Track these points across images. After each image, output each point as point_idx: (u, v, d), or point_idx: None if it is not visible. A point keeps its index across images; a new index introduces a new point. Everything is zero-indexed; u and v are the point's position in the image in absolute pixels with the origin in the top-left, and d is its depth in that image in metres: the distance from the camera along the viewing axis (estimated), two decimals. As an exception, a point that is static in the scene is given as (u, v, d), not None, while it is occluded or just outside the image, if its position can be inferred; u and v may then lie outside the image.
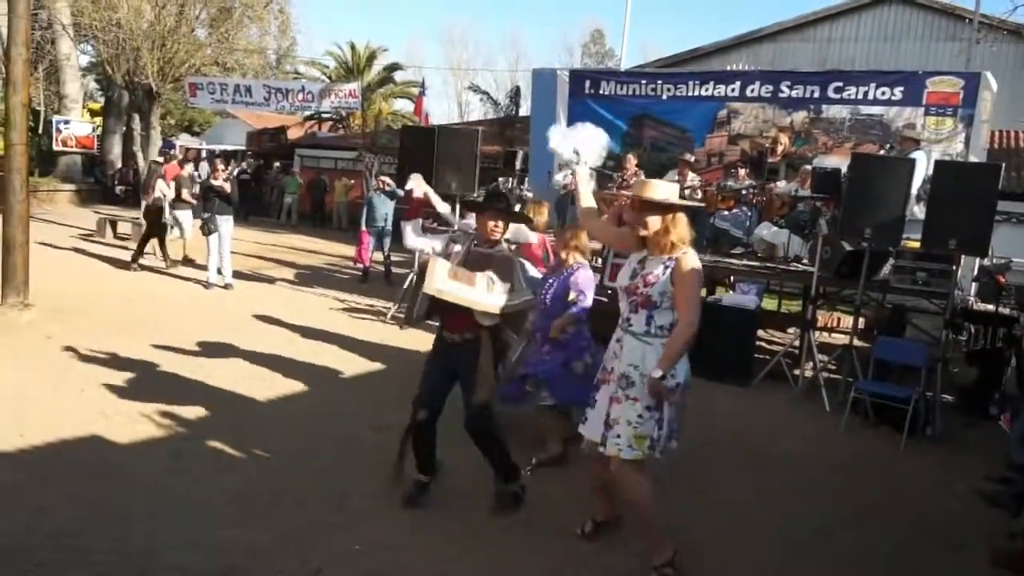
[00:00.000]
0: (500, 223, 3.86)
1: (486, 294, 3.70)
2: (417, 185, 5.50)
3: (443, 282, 3.65)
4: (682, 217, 3.32)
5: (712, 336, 7.07)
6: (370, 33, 75.42)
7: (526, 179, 9.78)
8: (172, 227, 11.50)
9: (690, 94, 11.30)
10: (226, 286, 9.95)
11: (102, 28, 14.15)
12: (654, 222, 3.29)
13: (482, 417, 3.82)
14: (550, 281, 4.80)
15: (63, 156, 21.44)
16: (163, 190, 11.18)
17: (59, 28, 16.94)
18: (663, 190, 3.36)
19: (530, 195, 9.39)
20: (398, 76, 34.79)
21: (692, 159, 10.57)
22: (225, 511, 3.77)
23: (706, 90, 11.29)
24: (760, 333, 8.54)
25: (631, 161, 10.10)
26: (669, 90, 11.37)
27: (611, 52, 50.76)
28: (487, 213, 3.86)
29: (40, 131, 24.54)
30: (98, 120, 24.32)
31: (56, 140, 21.26)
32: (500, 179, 9.24)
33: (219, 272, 9.98)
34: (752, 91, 10.90)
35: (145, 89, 14.38)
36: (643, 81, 11.62)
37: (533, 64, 50.19)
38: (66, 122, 20.49)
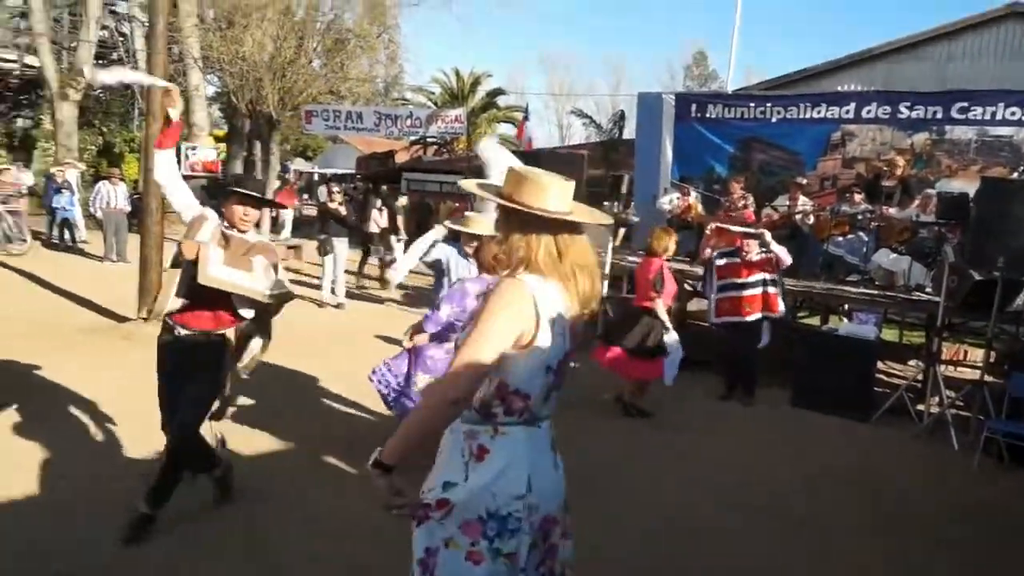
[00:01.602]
0: (250, 210, 3.56)
1: (263, 280, 3.51)
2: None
3: (218, 269, 3.38)
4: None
5: (828, 367, 6.90)
6: (474, 59, 77.15)
7: (632, 203, 9.74)
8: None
9: (801, 116, 11.00)
10: (338, 305, 10.30)
11: (229, 61, 15.05)
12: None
13: (195, 429, 3.50)
14: None
15: (191, 180, 22.91)
16: (376, 220, 12.17)
17: (190, 61, 18.18)
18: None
19: (636, 219, 9.33)
20: (501, 100, 35.41)
21: (804, 182, 10.28)
22: (341, 529, 3.89)
23: (818, 112, 10.96)
24: (879, 365, 8.14)
25: (736, 186, 9.89)
26: (779, 112, 11.10)
27: (714, 74, 50.03)
28: (233, 199, 3.54)
29: (170, 157, 26.28)
30: (221, 146, 25.84)
31: (184, 165, 22.71)
32: (605, 203, 9.20)
33: (332, 291, 10.35)
34: (868, 112, 10.51)
35: (266, 117, 15.17)
36: (751, 104, 11.39)
37: (634, 87, 49.93)
38: (193, 148, 21.86)
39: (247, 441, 4.90)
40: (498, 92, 35.28)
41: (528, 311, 1.83)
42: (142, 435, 4.60)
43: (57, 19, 22.52)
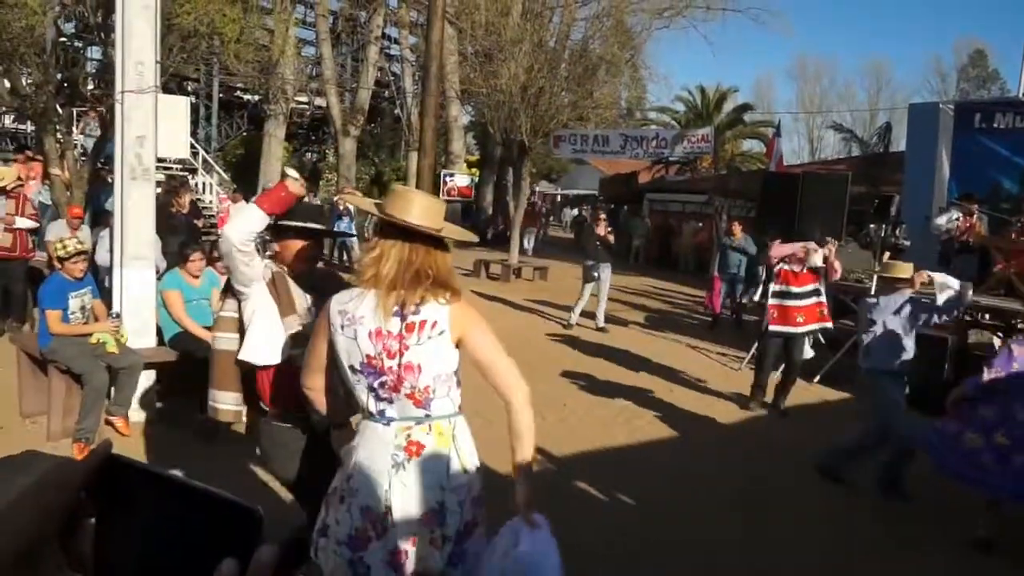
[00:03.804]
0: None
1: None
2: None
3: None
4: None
5: None
6: (719, 74, 75.34)
7: (901, 225, 8.94)
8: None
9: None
10: (600, 329, 10.41)
11: (487, 93, 16.08)
12: None
13: None
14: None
15: (449, 204, 24.81)
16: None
17: (451, 95, 19.74)
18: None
19: (907, 243, 8.53)
20: (747, 116, 34.22)
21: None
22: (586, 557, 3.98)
23: None
24: None
25: (1040, 204, 8.68)
26: (1087, 119, 9.62)
27: (994, 75, 44.40)
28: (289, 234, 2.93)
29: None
30: (474, 171, 27.66)
31: (443, 191, 24.67)
32: (872, 226, 8.54)
33: (590, 315, 10.47)
34: None
35: (519, 144, 15.99)
36: (1052, 110, 9.99)
37: (896, 93, 45.90)
38: (451, 175, 23.67)
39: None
40: (746, 108, 34.21)
41: None
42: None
43: (342, 65, 25.53)
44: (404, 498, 2.14)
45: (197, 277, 5.65)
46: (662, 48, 67.54)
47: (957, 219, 9.35)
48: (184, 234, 8.00)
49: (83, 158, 13.06)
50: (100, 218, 8.02)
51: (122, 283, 5.46)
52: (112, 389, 5.14)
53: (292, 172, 2.87)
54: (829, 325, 6.88)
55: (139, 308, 5.51)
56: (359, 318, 2.18)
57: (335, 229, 15.67)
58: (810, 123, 49.48)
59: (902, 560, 4.17)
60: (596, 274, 10.25)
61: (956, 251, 9.53)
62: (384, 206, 2.26)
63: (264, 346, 2.80)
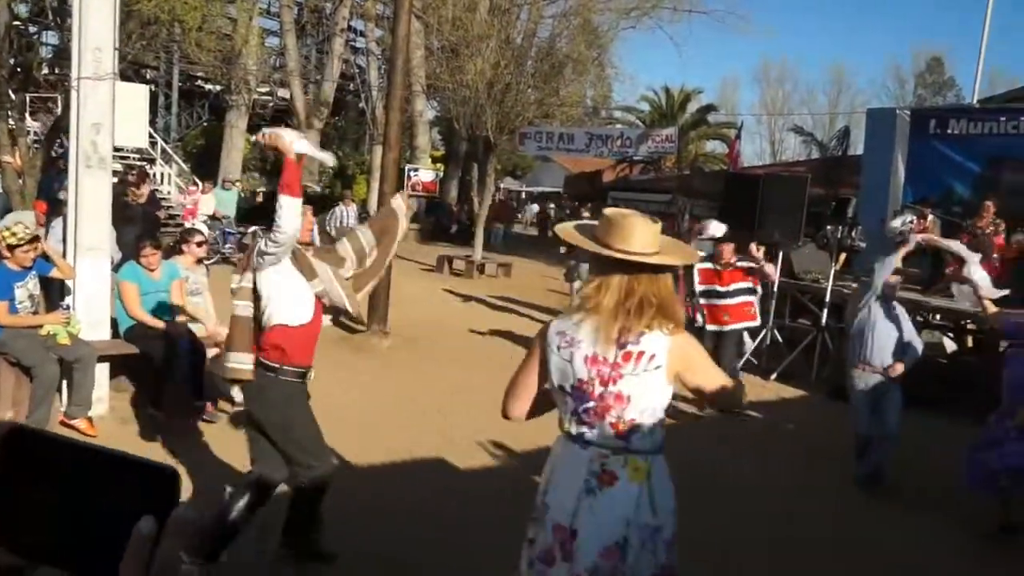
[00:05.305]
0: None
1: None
2: None
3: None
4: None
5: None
6: (684, 75, 76.09)
7: (857, 227, 9.12)
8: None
9: (1065, 131, 9.75)
10: None
11: (453, 89, 16.02)
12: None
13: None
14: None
15: (412, 199, 24.72)
16: None
17: (417, 89, 19.62)
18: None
19: (863, 245, 8.72)
20: (711, 117, 34.61)
21: (1066, 206, 9.08)
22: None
23: (1089, 125, 9.67)
24: None
25: (990, 208, 8.90)
26: (1037, 127, 9.92)
27: (950, 82, 45.54)
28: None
29: (394, 177, 28.60)
30: (439, 166, 27.56)
31: (407, 185, 24.52)
32: (829, 227, 8.71)
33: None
34: None
35: (484, 140, 15.96)
36: (1002, 118, 10.28)
37: (857, 98, 46.78)
38: (416, 170, 23.55)
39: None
40: (710, 109, 34.58)
41: None
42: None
43: (307, 57, 25.21)
44: (590, 526, 2.12)
45: (155, 270, 5.54)
46: (629, 48, 67.97)
47: (911, 222, 9.55)
48: (141, 225, 7.83)
49: (36, 145, 12.73)
50: (52, 207, 7.82)
51: (76, 274, 5.34)
52: (67, 389, 5.02)
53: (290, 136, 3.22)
54: (752, 324, 7.00)
55: (93, 300, 5.38)
56: (577, 341, 2.17)
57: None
58: (772, 125, 50.22)
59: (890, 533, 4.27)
60: (577, 274, 9.96)
61: (908, 253, 9.74)
62: (601, 236, 2.21)
63: (295, 308, 3.22)
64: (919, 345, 5.32)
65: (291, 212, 3.08)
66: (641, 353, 2.11)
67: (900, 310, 5.32)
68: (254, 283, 3.27)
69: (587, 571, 2.11)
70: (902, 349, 5.16)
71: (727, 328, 6.76)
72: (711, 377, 2.25)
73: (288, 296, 3.22)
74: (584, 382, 2.15)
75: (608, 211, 2.32)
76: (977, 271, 6.10)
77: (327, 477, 3.41)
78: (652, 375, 2.12)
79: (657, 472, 2.19)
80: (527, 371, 2.33)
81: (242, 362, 3.28)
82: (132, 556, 0.53)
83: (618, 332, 2.12)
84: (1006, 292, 5.56)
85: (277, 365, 3.24)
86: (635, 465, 2.14)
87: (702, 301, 6.77)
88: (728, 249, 6.79)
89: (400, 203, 3.78)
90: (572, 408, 2.19)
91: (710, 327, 6.72)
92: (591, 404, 2.14)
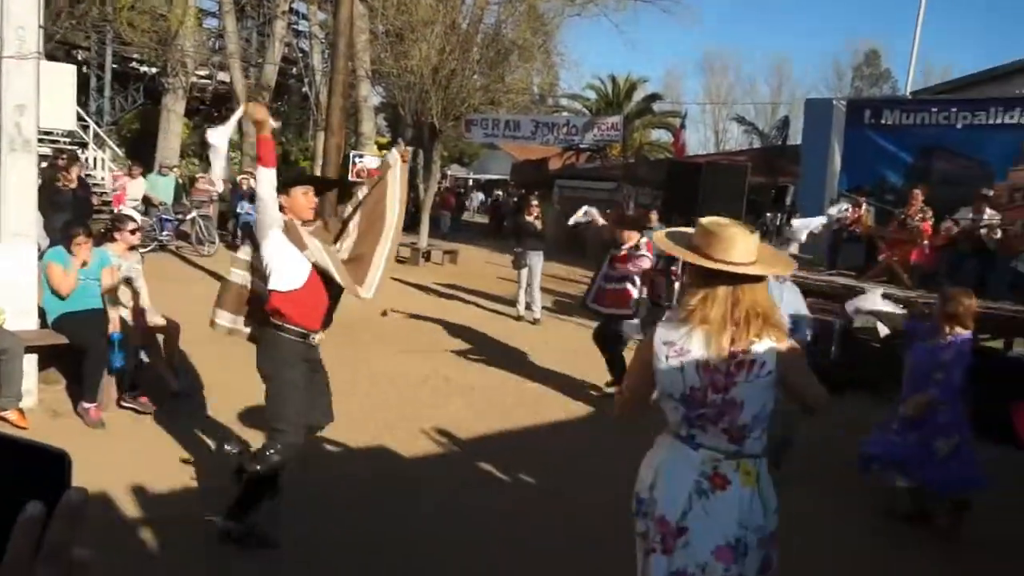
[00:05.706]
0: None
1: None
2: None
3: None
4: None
5: (1007, 395, 6.31)
6: (629, 64, 76.73)
7: (795, 214, 9.38)
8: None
9: (991, 122, 10.16)
10: (534, 321, 9.94)
11: (397, 74, 15.82)
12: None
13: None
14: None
15: (357, 186, 24.38)
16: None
17: (362, 74, 19.30)
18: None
19: (802, 240, 8.95)
20: (656, 106, 34.98)
21: (990, 194, 9.44)
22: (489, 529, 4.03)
23: (1011, 117, 10.08)
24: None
25: (918, 196, 9.22)
26: (966, 118, 10.30)
27: (887, 74, 46.91)
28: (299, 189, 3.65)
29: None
30: (384, 153, 27.27)
31: (352, 172, 24.19)
32: (768, 215, 8.91)
33: (528, 307, 10.05)
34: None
35: (429, 127, 15.82)
36: (933, 109, 10.65)
37: (798, 89, 47.76)
38: (360, 156, 23.24)
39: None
40: (655, 97, 34.90)
41: None
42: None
43: (247, 39, 24.58)
44: (703, 527, 2.19)
45: (86, 260, 5.30)
46: (575, 36, 68.16)
47: (846, 210, 9.87)
48: (70, 211, 7.55)
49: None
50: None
51: None
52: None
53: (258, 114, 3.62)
54: (624, 311, 6.83)
55: (19, 288, 5.17)
56: (687, 351, 2.22)
57: (237, 211, 15.19)
58: (716, 115, 51.00)
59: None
60: (524, 261, 9.94)
61: (844, 240, 10.06)
62: (701, 247, 2.24)
63: (286, 276, 3.50)
64: (807, 328, 5.24)
65: (267, 181, 3.45)
66: (753, 362, 2.18)
67: (789, 288, 5.14)
68: (251, 256, 3.66)
69: (699, 567, 2.18)
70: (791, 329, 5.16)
71: (605, 311, 6.91)
72: (811, 381, 2.32)
73: (278, 264, 3.51)
74: (696, 389, 2.21)
75: (705, 221, 2.33)
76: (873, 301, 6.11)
77: (286, 457, 3.53)
78: (765, 381, 2.20)
79: (764, 474, 2.28)
80: (640, 380, 2.41)
81: (224, 320, 3.71)
82: (19, 539, 0.52)
83: (729, 342, 2.19)
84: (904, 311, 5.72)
85: (280, 324, 3.57)
86: (746, 469, 2.23)
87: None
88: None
89: (395, 155, 3.95)
90: (683, 414, 2.26)
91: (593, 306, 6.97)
92: (704, 410, 2.22)
